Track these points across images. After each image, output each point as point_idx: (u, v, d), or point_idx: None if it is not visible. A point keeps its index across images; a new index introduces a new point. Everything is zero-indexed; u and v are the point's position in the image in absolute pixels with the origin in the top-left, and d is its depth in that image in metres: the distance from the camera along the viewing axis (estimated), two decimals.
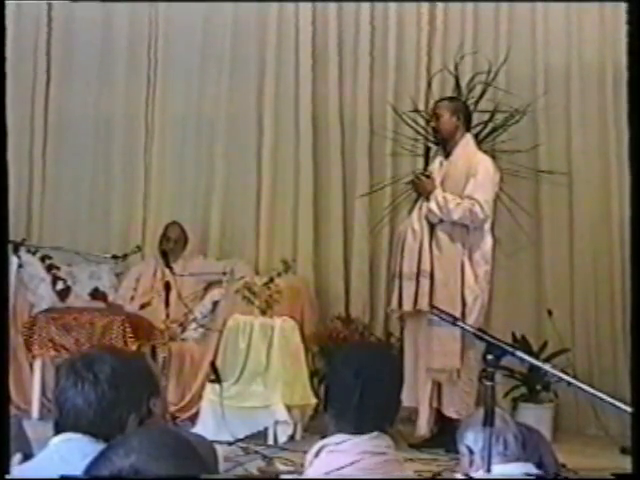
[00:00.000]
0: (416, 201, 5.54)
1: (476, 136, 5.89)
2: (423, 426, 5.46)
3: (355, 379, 2.46)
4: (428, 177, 5.44)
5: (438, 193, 5.38)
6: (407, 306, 5.36)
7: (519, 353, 2.69)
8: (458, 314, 5.17)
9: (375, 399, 2.46)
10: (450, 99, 5.78)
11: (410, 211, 5.59)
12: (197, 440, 2.33)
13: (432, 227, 5.41)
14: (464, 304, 5.31)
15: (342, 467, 2.40)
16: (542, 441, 2.85)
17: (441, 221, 5.38)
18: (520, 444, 2.70)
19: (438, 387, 5.46)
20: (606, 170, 6.35)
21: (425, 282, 5.32)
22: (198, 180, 6.96)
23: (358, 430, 2.45)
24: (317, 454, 2.50)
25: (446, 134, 5.49)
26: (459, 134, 5.50)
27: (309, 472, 2.50)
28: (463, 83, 6.17)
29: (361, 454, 2.42)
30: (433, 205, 5.36)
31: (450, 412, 5.37)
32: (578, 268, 6.36)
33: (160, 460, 1.47)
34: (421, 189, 5.47)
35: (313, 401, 5.83)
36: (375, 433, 2.46)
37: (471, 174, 5.39)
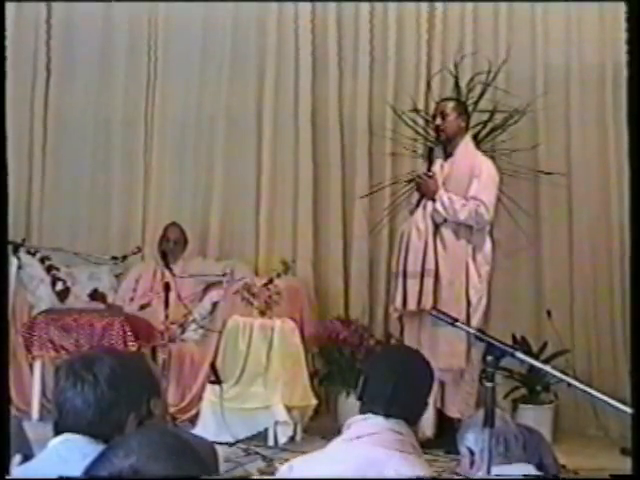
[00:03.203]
0: (419, 201, 5.53)
1: (475, 136, 5.90)
2: (429, 427, 5.45)
3: (391, 373, 2.81)
4: (431, 177, 5.44)
5: (443, 194, 5.38)
6: (412, 305, 5.35)
7: (519, 354, 2.68)
8: (464, 314, 5.19)
9: (405, 394, 2.78)
10: (457, 100, 5.77)
11: (412, 211, 5.58)
12: (197, 441, 2.32)
13: (437, 226, 5.41)
14: (469, 304, 5.32)
15: (361, 436, 2.70)
16: (542, 442, 2.85)
17: (445, 221, 5.38)
18: (520, 445, 2.70)
19: (441, 387, 5.46)
20: (606, 170, 6.35)
21: (429, 281, 5.32)
22: (198, 181, 6.96)
23: (387, 413, 2.73)
24: (349, 427, 2.79)
25: (451, 134, 5.48)
26: (461, 135, 5.51)
27: (332, 443, 2.79)
28: (463, 83, 6.17)
29: (383, 429, 2.70)
30: (439, 206, 5.36)
31: (453, 412, 5.38)
32: (578, 268, 6.36)
33: (159, 461, 1.46)
34: (425, 189, 5.46)
35: (313, 402, 5.83)
36: (401, 420, 2.74)
37: (474, 175, 5.39)
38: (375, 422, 2.73)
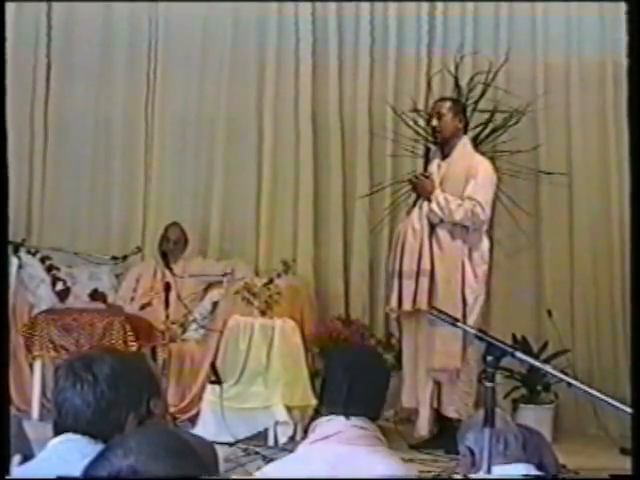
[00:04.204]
0: (415, 201, 5.53)
1: (476, 137, 5.89)
2: (424, 427, 5.46)
3: (345, 374, 2.87)
4: (427, 177, 5.43)
5: (439, 194, 5.37)
6: (407, 305, 5.35)
7: (519, 354, 2.68)
8: (460, 313, 5.18)
9: (361, 393, 2.84)
10: (453, 100, 5.76)
11: (408, 211, 5.58)
12: (197, 441, 2.32)
13: (432, 226, 5.40)
14: (465, 303, 5.31)
15: (327, 436, 2.78)
16: (542, 442, 2.85)
17: (441, 221, 5.38)
18: (520, 445, 2.70)
19: (438, 387, 5.46)
20: (606, 170, 6.35)
21: (425, 281, 5.31)
22: (198, 180, 6.96)
23: (347, 413, 2.81)
24: (313, 430, 2.88)
25: (448, 134, 5.47)
26: (458, 136, 5.50)
27: (299, 447, 2.92)
28: (463, 83, 6.16)
29: (347, 428, 2.79)
30: (435, 206, 5.36)
31: (450, 412, 5.37)
32: (578, 268, 6.36)
33: (158, 460, 1.46)
34: (421, 190, 5.46)
35: (313, 402, 5.81)
36: (362, 417, 2.82)
37: (471, 175, 5.39)
38: (338, 422, 2.81)
